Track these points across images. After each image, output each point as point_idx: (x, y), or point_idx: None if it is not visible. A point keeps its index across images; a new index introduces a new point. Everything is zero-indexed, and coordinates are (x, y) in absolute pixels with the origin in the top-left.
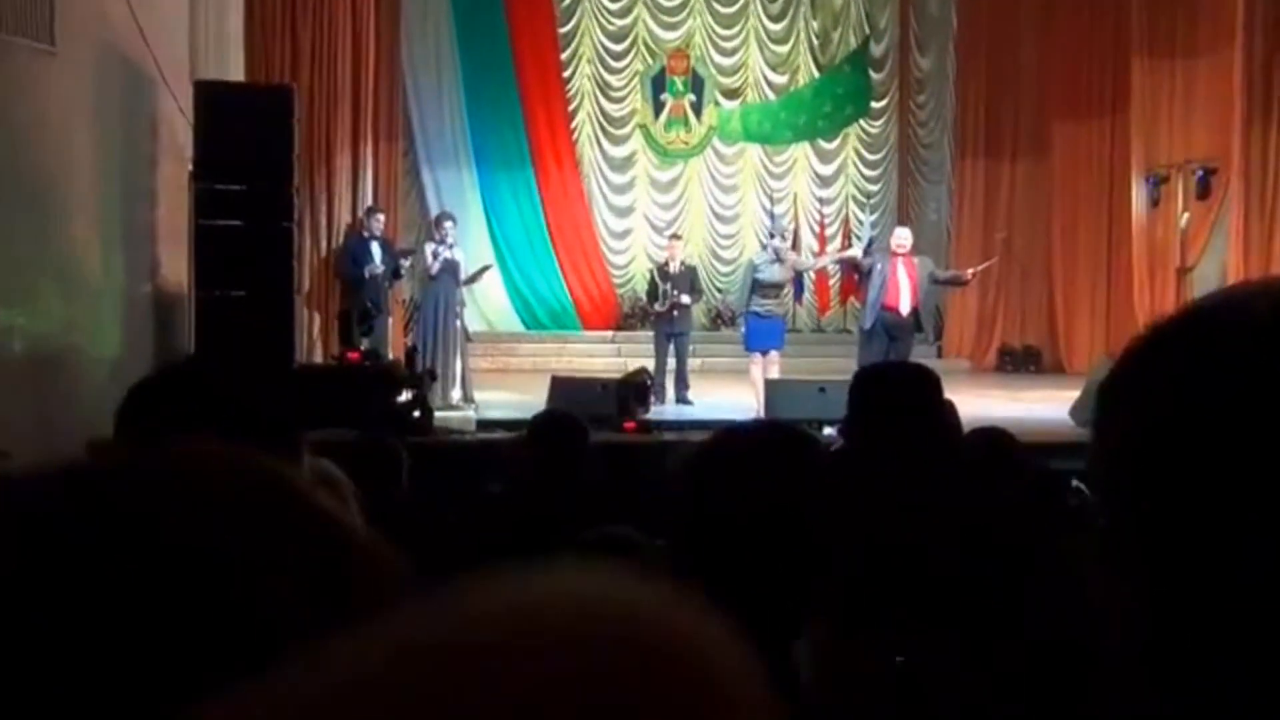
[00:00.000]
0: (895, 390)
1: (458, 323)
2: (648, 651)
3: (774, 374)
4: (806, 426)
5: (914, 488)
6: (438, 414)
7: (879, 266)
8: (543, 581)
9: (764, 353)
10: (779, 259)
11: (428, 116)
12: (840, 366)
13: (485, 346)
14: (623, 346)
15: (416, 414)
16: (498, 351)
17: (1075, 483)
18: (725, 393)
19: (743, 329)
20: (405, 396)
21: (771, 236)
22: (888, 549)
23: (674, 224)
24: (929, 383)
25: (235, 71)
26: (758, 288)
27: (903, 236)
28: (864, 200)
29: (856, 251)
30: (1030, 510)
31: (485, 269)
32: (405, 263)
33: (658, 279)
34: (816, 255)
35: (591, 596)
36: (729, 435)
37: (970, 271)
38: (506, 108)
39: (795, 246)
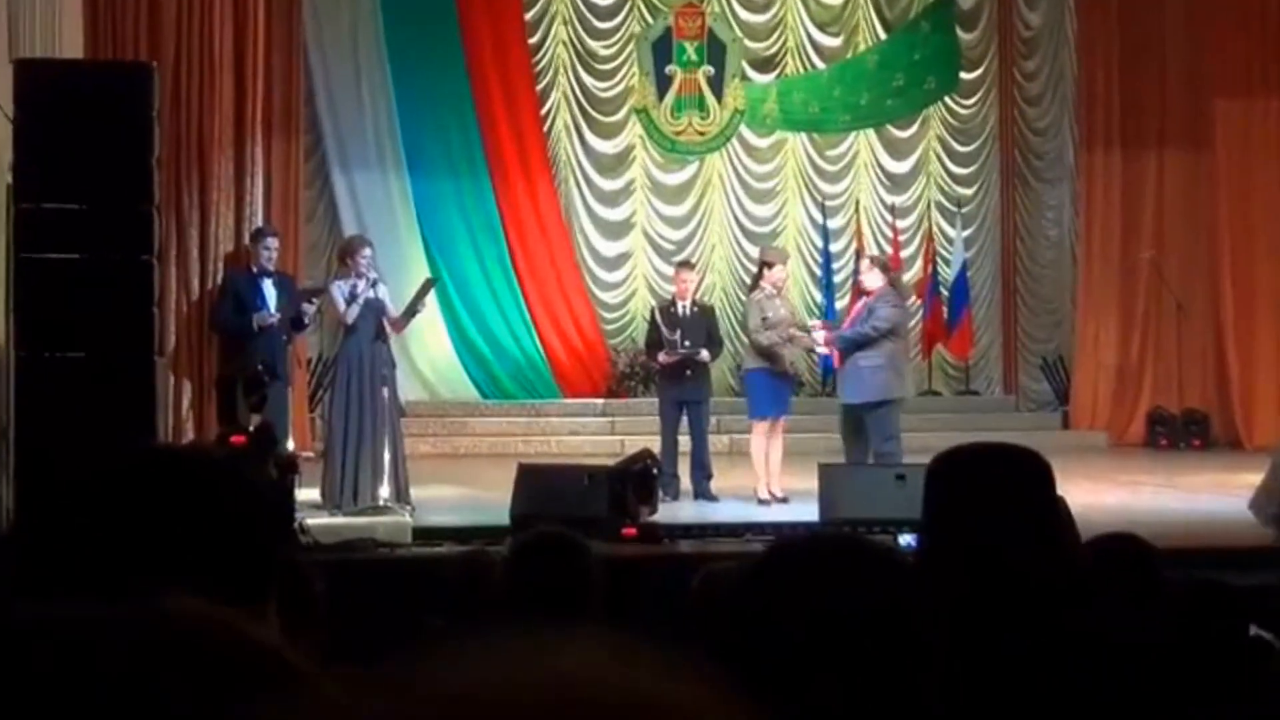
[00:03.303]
0: (983, 482)
1: (385, 390)
2: None
3: (778, 448)
4: (880, 531)
5: (1010, 622)
6: (362, 520)
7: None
8: (544, 660)
9: (775, 419)
10: (766, 320)
11: (341, 102)
12: (926, 444)
13: (426, 423)
14: (617, 419)
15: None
16: (443, 429)
17: (1255, 631)
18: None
19: (746, 387)
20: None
21: (758, 283)
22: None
23: (685, 247)
24: (1034, 471)
25: (72, 46)
26: (768, 328)
27: (864, 267)
28: (952, 209)
29: (817, 338)
30: (1182, 656)
31: (429, 286)
32: (311, 307)
33: (660, 323)
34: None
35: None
36: (783, 553)
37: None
38: (449, 89)
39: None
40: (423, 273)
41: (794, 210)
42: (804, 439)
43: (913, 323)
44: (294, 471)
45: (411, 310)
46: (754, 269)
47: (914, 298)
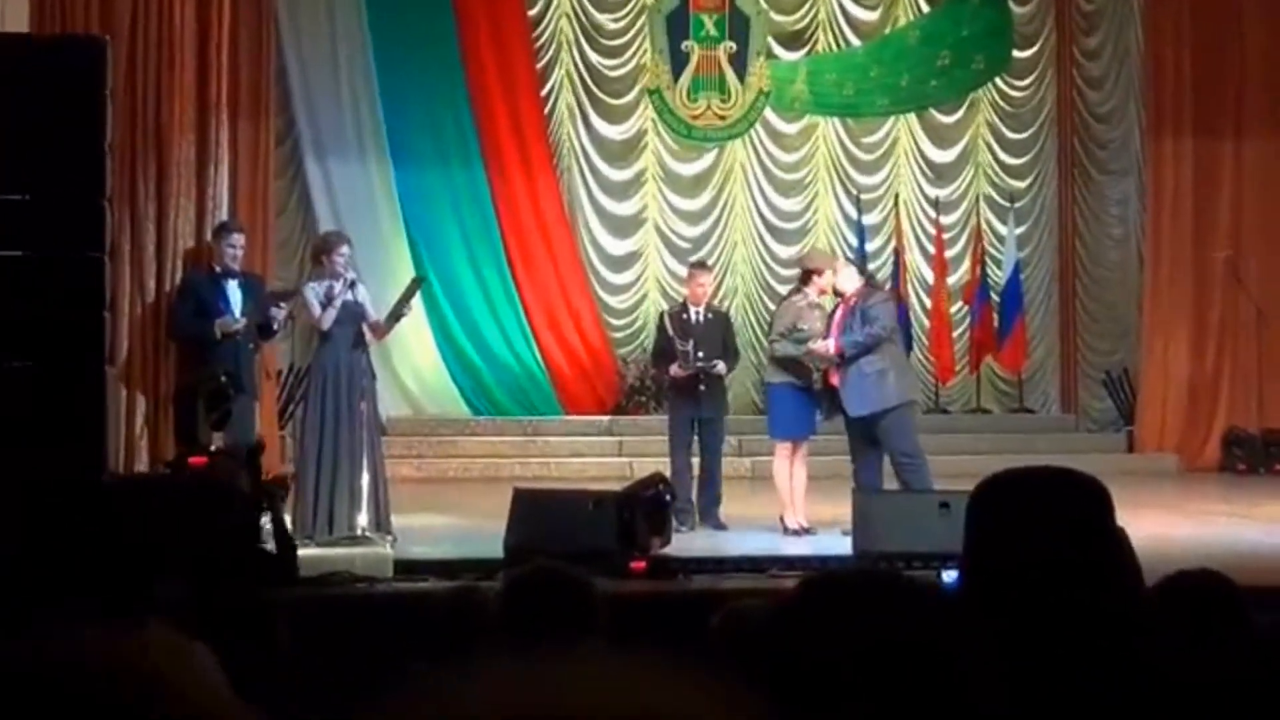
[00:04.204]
0: (1032, 510)
1: (365, 405)
2: None
3: (803, 473)
4: (922, 566)
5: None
6: (338, 551)
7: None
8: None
9: (797, 441)
10: (798, 331)
11: (316, 81)
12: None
13: (410, 443)
14: (626, 439)
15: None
16: (429, 450)
17: None
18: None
19: (768, 403)
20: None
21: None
22: None
23: (702, 246)
24: (1091, 498)
25: (15, 19)
26: (796, 340)
27: (836, 268)
28: (1003, 204)
29: (828, 345)
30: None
31: (416, 286)
32: (281, 312)
33: (671, 331)
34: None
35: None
36: (817, 591)
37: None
38: (439, 65)
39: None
40: (408, 273)
41: (825, 205)
42: (829, 462)
43: (959, 330)
44: (285, 493)
45: (396, 314)
46: (778, 270)
47: (961, 303)
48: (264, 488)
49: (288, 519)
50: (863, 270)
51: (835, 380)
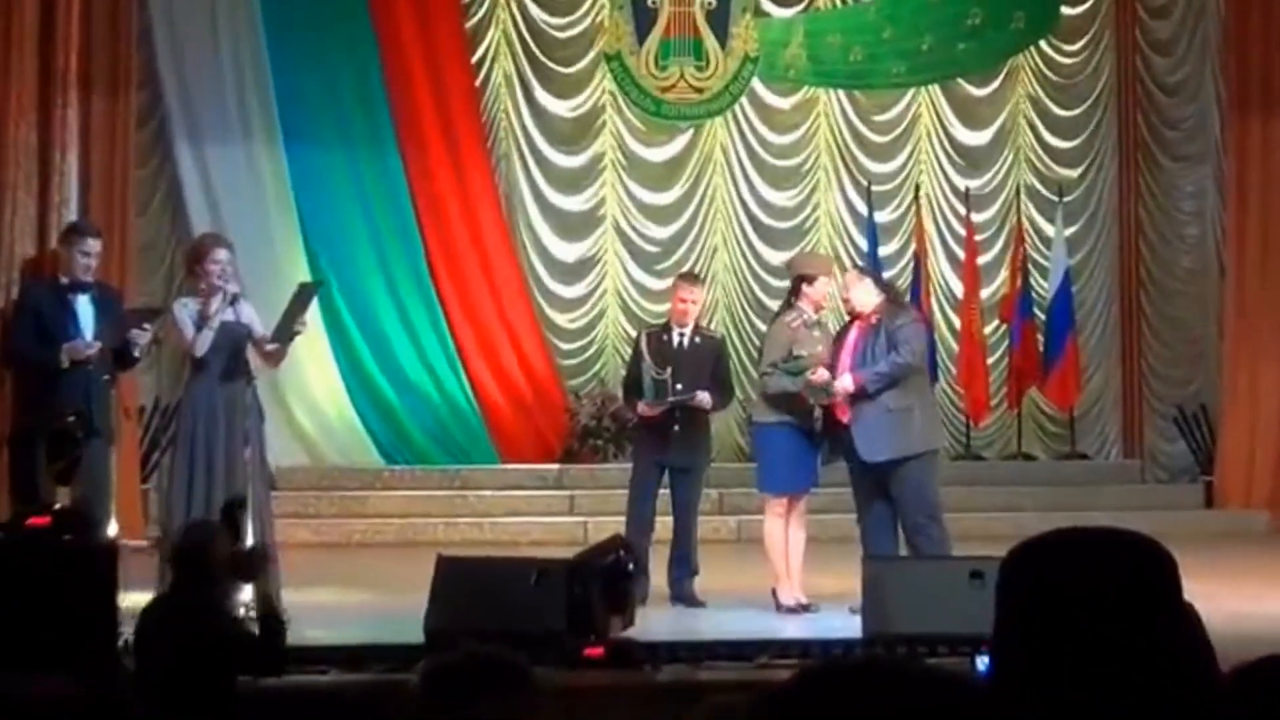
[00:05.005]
0: (1076, 582)
1: (249, 451)
2: None
3: (801, 535)
4: (949, 652)
5: None
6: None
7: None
8: None
9: (794, 496)
10: (796, 359)
11: (189, 47)
12: (1013, 528)
13: (306, 500)
14: (579, 494)
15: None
16: (330, 507)
17: None
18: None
19: (757, 448)
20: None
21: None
22: None
23: (675, 251)
24: (1150, 567)
25: None
26: (795, 368)
27: (848, 280)
28: (1050, 198)
29: (845, 381)
30: None
31: (309, 294)
32: (144, 334)
33: (648, 356)
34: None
35: None
36: (816, 684)
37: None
38: (342, 24)
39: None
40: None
41: (827, 198)
42: (832, 521)
43: (996, 356)
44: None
45: (287, 332)
46: (769, 280)
47: (997, 322)
48: (245, 555)
49: (246, 593)
50: (882, 282)
51: (844, 416)
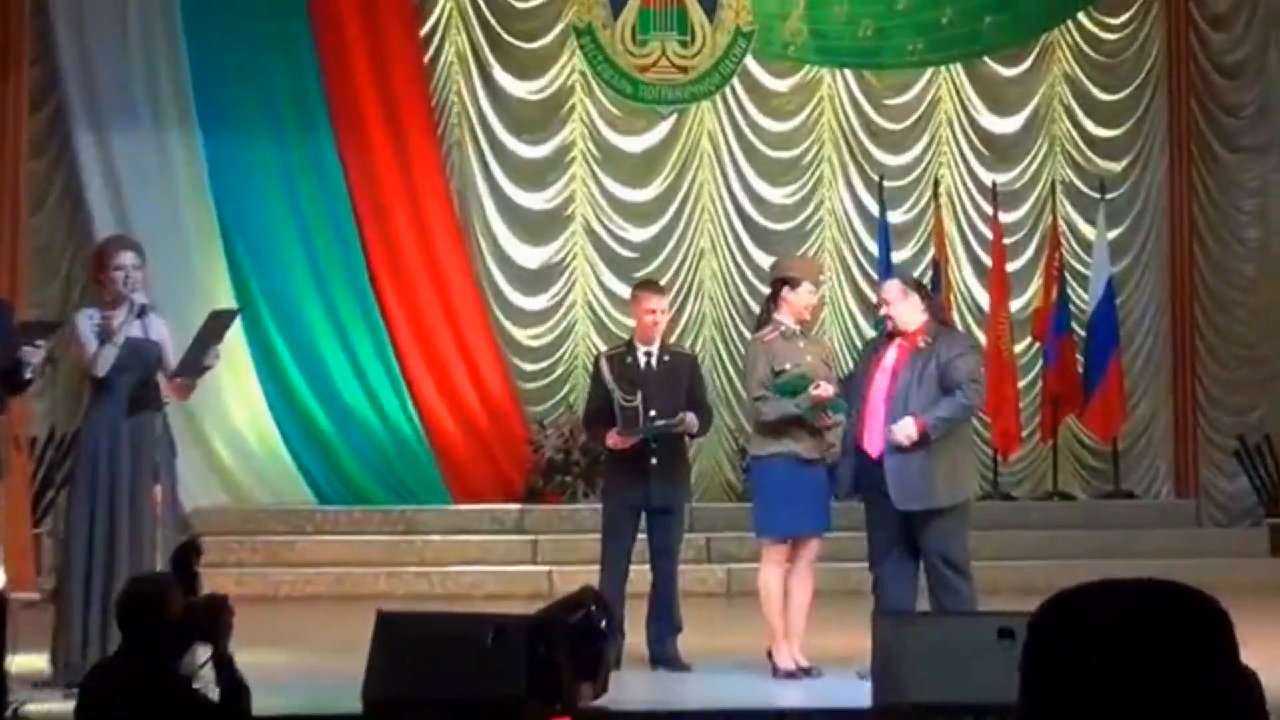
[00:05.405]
0: (1116, 641)
1: (159, 490)
2: None
3: (808, 583)
4: None
5: None
6: None
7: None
8: None
9: (799, 540)
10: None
11: (92, 21)
12: (1048, 580)
13: (227, 546)
14: (542, 539)
15: None
16: (255, 556)
17: None
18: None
19: (755, 486)
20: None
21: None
22: None
23: (655, 256)
24: (1201, 624)
25: None
26: (787, 386)
27: (891, 291)
28: (1091, 196)
29: (907, 427)
30: None
31: (226, 320)
32: (38, 352)
33: (610, 380)
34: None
35: None
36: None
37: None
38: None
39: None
40: (225, 295)
41: (832, 196)
42: (839, 571)
43: (1028, 379)
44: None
45: (195, 367)
46: (765, 291)
47: (1030, 339)
48: (202, 609)
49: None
50: (929, 298)
51: (875, 451)
